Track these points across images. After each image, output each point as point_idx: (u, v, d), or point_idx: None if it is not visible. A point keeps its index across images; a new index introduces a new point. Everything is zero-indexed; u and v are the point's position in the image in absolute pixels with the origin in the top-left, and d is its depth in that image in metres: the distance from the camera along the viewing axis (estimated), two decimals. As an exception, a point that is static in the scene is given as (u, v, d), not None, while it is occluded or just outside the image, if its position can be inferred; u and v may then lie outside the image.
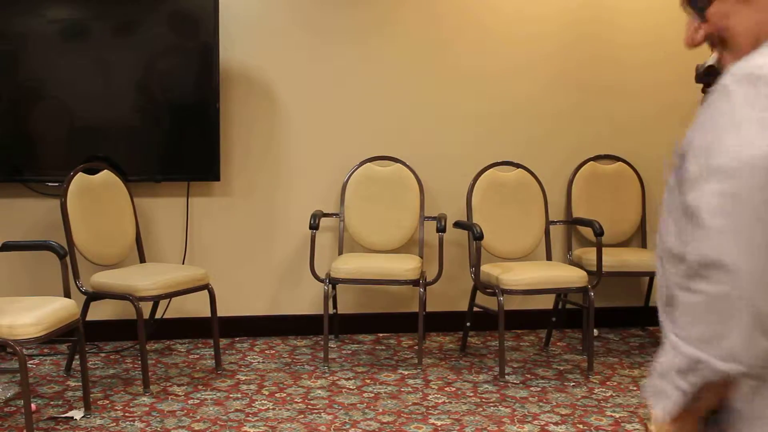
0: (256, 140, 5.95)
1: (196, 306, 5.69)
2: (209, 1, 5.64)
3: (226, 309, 5.73)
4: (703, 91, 4.74)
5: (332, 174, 6.00)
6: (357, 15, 6.00)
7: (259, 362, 5.54)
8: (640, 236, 6.30)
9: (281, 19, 5.93)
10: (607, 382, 5.29)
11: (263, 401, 4.88)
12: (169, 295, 5.18)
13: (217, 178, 5.80)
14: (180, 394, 4.96)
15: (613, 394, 5.10)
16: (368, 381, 5.24)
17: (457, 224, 5.76)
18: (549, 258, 6.00)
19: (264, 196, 6.00)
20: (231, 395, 4.96)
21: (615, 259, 5.81)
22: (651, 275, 6.11)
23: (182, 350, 5.76)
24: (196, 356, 5.64)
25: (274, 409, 4.77)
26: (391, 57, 6.05)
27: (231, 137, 5.88)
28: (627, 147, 6.21)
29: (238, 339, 5.96)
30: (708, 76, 4.62)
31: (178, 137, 5.82)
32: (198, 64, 5.74)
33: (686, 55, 6.33)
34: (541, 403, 4.92)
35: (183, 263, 5.84)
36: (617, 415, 4.79)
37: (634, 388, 5.21)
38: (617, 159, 6.22)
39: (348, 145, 6.02)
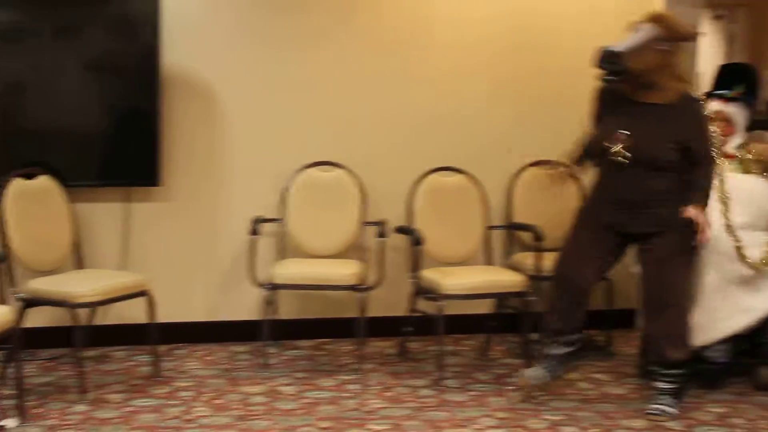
0: (197, 145, 5.92)
1: (134, 312, 5.61)
2: (151, 4, 5.60)
3: (165, 315, 5.67)
4: (602, 78, 4.71)
5: (274, 179, 5.98)
6: (300, 21, 5.99)
7: (197, 369, 5.51)
8: (579, 241, 6.34)
9: (224, 23, 5.91)
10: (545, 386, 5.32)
11: (201, 408, 4.85)
12: (107, 302, 5.13)
13: (157, 184, 5.77)
14: (117, 401, 4.92)
15: (551, 398, 5.13)
16: (307, 387, 5.23)
17: (398, 229, 5.77)
18: (489, 263, 6.02)
19: (205, 201, 5.97)
20: (169, 402, 4.92)
21: (551, 263, 5.82)
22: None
23: (120, 357, 5.71)
24: (133, 363, 5.59)
25: (212, 415, 4.75)
26: (334, 63, 6.05)
27: (172, 142, 5.84)
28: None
29: (176, 345, 5.91)
30: (610, 63, 4.61)
31: (119, 142, 5.75)
32: (139, 68, 5.69)
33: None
34: (479, 407, 4.95)
35: (122, 269, 5.78)
36: (554, 418, 4.83)
37: (571, 392, 5.24)
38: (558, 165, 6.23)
39: (290, 151, 6.01)
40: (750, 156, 5.39)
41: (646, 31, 4.71)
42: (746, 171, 5.45)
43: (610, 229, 4.97)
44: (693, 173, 4.87)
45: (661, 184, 4.83)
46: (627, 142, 4.78)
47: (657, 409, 4.90)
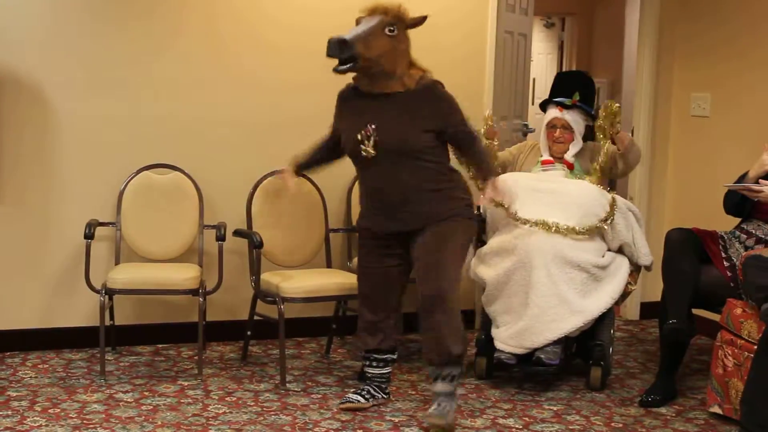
0: (29, 147, 5.73)
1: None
2: (-24, 2, 5.41)
3: (-5, 323, 5.51)
4: (335, 69, 4.56)
5: (108, 182, 5.85)
6: (133, 24, 5.87)
7: (31, 377, 5.34)
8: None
9: (53, 22, 5.74)
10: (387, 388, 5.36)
11: (35, 418, 4.70)
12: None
13: (-15, 187, 5.58)
14: (-55, 413, 4.73)
15: (393, 399, 5.17)
16: (147, 393, 5.14)
17: (237, 232, 5.72)
18: (329, 265, 6.03)
19: (35, 204, 5.78)
20: (0, 413, 4.75)
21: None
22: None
23: (-52, 367, 5.49)
24: (-37, 373, 5.39)
25: (47, 425, 4.61)
26: (170, 64, 5.95)
27: (1, 145, 5.64)
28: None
29: (8, 354, 5.71)
30: (340, 51, 4.47)
31: (-57, 143, 5.54)
32: (-36, 68, 5.50)
33: (468, 59, 6.55)
34: (322, 410, 4.95)
35: (-52, 275, 5.57)
36: (396, 420, 4.87)
37: (413, 393, 5.30)
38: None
39: (125, 153, 5.88)
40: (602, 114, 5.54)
41: (373, 19, 4.64)
42: (579, 177, 5.61)
43: (372, 232, 4.93)
44: (466, 154, 4.89)
45: (417, 177, 4.73)
46: (374, 135, 4.69)
47: (440, 411, 4.70)
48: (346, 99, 4.92)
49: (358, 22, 4.72)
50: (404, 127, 4.69)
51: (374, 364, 5.04)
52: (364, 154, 4.72)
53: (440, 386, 4.75)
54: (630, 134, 5.89)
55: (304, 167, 5.23)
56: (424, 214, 4.76)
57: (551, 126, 5.71)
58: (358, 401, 4.97)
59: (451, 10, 6.46)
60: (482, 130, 5.60)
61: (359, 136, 4.71)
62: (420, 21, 4.76)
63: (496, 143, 5.74)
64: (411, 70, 4.75)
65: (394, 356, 5.09)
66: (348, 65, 4.54)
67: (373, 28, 4.59)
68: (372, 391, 5.05)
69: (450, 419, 4.69)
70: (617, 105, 5.54)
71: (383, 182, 4.77)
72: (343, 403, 4.99)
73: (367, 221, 4.94)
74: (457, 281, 4.80)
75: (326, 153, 5.14)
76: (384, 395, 5.09)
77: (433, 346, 4.73)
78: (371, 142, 4.68)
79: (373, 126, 4.69)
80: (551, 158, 5.70)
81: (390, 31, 4.62)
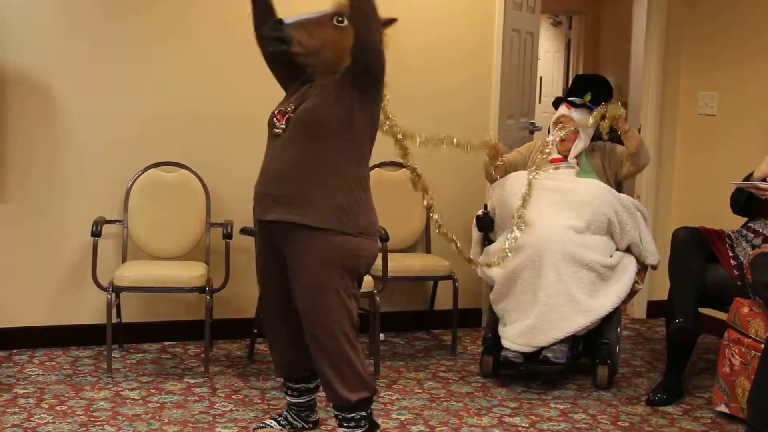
0: (35, 145, 5.74)
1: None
2: (-17, 0, 5.42)
3: (3, 320, 5.51)
4: (270, 49, 4.17)
5: (115, 180, 5.85)
6: (138, 20, 5.87)
7: (38, 374, 5.35)
8: (424, 242, 6.42)
9: (61, 21, 5.75)
10: (393, 386, 5.37)
11: (43, 415, 4.71)
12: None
13: (-8, 184, 5.59)
14: (-48, 410, 4.74)
15: (399, 397, 5.17)
16: (153, 391, 5.14)
17: (244, 230, 5.72)
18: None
19: (44, 202, 5.79)
20: (8, 410, 4.76)
21: (400, 264, 5.89)
22: (435, 279, 6.23)
23: (-45, 364, 5.50)
24: (-30, 370, 5.40)
25: (54, 422, 4.62)
26: (175, 62, 5.95)
27: (8, 142, 5.66)
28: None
29: (15, 351, 5.72)
30: (272, 30, 4.04)
31: (-49, 141, 5.55)
32: (-28, 65, 5.51)
33: (475, 57, 6.54)
34: (328, 408, 4.91)
35: (-44, 273, 5.58)
36: (402, 418, 4.87)
37: (419, 391, 5.30)
38: (401, 166, 6.25)
39: (132, 151, 5.89)
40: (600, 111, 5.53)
41: (325, 10, 4.18)
42: (586, 174, 5.61)
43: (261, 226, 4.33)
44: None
45: (313, 154, 4.06)
46: (290, 112, 4.16)
47: None
48: (294, 81, 4.37)
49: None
50: (321, 102, 4.10)
51: (288, 392, 4.57)
52: (276, 129, 4.22)
53: None
54: (638, 131, 5.86)
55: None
56: (304, 203, 4.11)
57: (558, 123, 5.72)
58: (271, 426, 4.56)
59: (457, 8, 6.46)
60: (486, 155, 5.62)
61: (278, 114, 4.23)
62: (389, 23, 4.27)
63: (500, 163, 5.72)
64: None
65: (310, 385, 4.55)
66: (281, 46, 4.04)
67: (318, 16, 4.14)
68: (290, 418, 4.60)
69: None
70: (622, 110, 5.54)
71: (273, 159, 4.26)
72: (258, 427, 4.57)
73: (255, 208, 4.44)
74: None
75: None
76: (304, 424, 4.61)
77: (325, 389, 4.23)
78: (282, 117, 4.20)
79: (292, 104, 4.20)
80: (560, 156, 5.70)
81: (339, 21, 4.12)
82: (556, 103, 5.88)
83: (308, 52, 4.13)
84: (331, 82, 4.11)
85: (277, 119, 4.20)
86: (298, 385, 4.52)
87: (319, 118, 4.06)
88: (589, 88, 5.74)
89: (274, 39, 4.05)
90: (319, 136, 4.06)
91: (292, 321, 4.27)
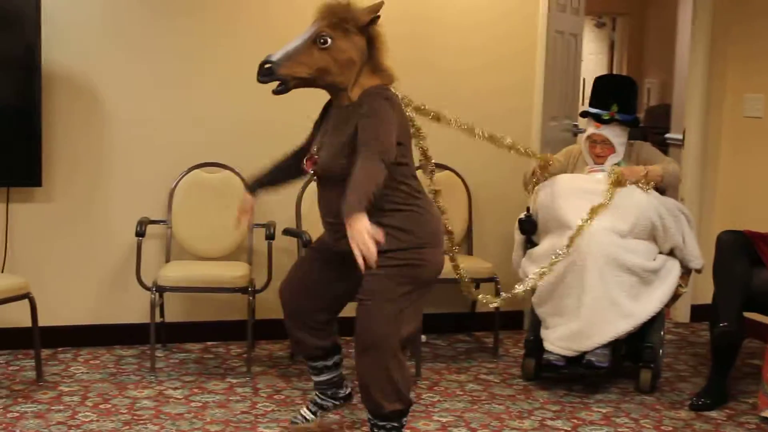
0: (80, 145, 5.79)
1: (16, 316, 5.48)
2: (30, 1, 5.45)
3: (48, 318, 5.55)
4: (273, 91, 4.19)
5: (160, 180, 5.90)
6: (186, 21, 5.91)
7: (82, 373, 5.39)
8: (467, 243, 6.41)
9: (108, 22, 5.80)
10: (435, 387, 5.36)
11: (87, 413, 4.75)
12: (-12, 305, 4.99)
13: (38, 184, 5.63)
14: (-1, 407, 4.80)
15: (440, 399, 5.17)
16: (196, 390, 5.17)
17: (287, 231, 5.74)
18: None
19: (89, 202, 5.85)
20: (53, 407, 4.81)
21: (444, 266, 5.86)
22: (477, 282, 6.21)
23: (1, 362, 5.55)
24: (16, 368, 5.44)
25: (98, 420, 4.66)
26: (222, 63, 5.98)
27: (54, 142, 5.71)
28: (454, 155, 6.28)
29: (61, 349, 5.78)
30: (265, 76, 4.11)
31: (-2, 141, 5.61)
32: (19, 66, 5.53)
33: (518, 59, 6.52)
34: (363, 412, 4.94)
35: (2, 272, 5.63)
36: (444, 420, 4.86)
37: (461, 393, 5.29)
38: (445, 168, 6.27)
39: (176, 152, 5.93)
40: (614, 176, 5.43)
41: (308, 31, 4.09)
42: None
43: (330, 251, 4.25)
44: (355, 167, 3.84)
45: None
46: (317, 155, 4.16)
47: None
48: (326, 109, 4.37)
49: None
50: (333, 148, 4.08)
51: (310, 371, 4.57)
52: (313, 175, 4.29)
53: None
54: (659, 168, 5.69)
55: (262, 184, 4.63)
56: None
57: (592, 141, 5.65)
58: (304, 420, 4.57)
59: (501, 9, 6.44)
60: (535, 163, 5.60)
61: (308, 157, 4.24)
62: (373, 19, 4.10)
63: (543, 178, 5.67)
64: (364, 79, 4.09)
65: (328, 362, 4.52)
66: (280, 88, 4.14)
67: (301, 45, 4.05)
68: (318, 400, 4.60)
69: None
70: (620, 172, 5.45)
71: (323, 208, 4.23)
72: (292, 422, 4.62)
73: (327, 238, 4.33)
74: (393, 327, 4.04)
75: (285, 173, 4.57)
76: (334, 402, 4.60)
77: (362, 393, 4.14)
78: (312, 162, 4.19)
79: (317, 146, 4.21)
80: (596, 167, 5.63)
81: (322, 43, 4.00)
82: (584, 114, 5.77)
83: (306, 82, 4.12)
84: (347, 134, 4.01)
85: (306, 165, 4.20)
86: (316, 363, 4.47)
87: (340, 172, 3.96)
88: (611, 95, 5.62)
89: (276, 80, 4.10)
90: (347, 180, 3.80)
91: (318, 301, 4.32)
